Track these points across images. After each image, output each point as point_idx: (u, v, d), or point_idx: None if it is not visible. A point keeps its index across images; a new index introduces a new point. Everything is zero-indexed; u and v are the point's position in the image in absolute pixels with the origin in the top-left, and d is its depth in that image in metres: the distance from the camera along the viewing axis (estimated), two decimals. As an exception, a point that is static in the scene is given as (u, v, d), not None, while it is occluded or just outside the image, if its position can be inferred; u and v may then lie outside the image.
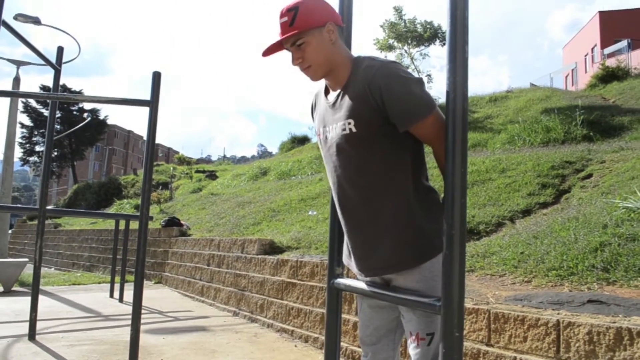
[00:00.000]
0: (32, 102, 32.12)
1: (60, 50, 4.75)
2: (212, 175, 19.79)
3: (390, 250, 1.46)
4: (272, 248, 5.38)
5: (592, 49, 26.93)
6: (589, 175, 5.47)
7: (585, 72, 25.76)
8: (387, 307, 1.61)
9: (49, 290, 7.55)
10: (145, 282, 7.16)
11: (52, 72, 4.67)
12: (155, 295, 7.06)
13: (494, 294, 2.74)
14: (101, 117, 34.81)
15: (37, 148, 32.80)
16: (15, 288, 7.76)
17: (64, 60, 4.79)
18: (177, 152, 51.47)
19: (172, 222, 8.85)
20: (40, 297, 4.57)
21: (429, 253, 1.44)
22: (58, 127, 30.32)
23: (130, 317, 3.33)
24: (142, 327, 3.66)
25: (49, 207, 5.79)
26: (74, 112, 33.78)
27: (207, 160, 57.37)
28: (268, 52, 1.54)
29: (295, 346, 4.10)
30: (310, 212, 7.06)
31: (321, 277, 4.10)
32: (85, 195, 23.34)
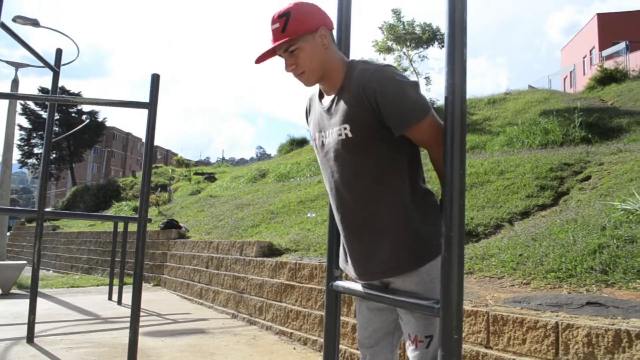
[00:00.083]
0: (31, 104, 32.10)
1: (59, 52, 4.75)
2: (210, 178, 19.79)
3: (388, 254, 1.46)
4: (271, 250, 5.38)
5: (591, 51, 26.99)
6: (588, 178, 5.48)
7: (584, 74, 25.81)
8: (386, 309, 1.61)
9: (48, 293, 7.53)
10: (144, 285, 7.15)
11: (50, 74, 4.67)
12: (154, 297, 7.05)
13: (493, 296, 2.74)
14: (100, 119, 34.77)
15: (36, 150, 32.76)
16: (14, 290, 7.74)
17: (62, 62, 4.79)
18: (175, 154, 51.50)
19: (171, 225, 8.83)
20: (39, 300, 4.55)
21: (427, 256, 1.44)
22: (57, 129, 30.28)
23: (128, 319, 3.32)
24: (141, 330, 3.65)
25: (47, 210, 5.79)
26: (73, 114, 33.76)
27: (206, 162, 57.31)
28: (261, 59, 1.53)
29: (294, 349, 4.09)
30: (309, 215, 7.06)
31: (320, 280, 4.09)
32: (84, 197, 23.31)
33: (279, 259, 4.91)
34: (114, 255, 7.28)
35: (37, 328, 4.30)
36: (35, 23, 11.42)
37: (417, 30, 16.33)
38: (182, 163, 25.07)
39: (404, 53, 17.02)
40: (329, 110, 1.53)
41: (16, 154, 31.43)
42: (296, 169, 13.24)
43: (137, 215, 3.57)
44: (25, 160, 33.13)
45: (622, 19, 26.53)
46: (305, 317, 4.23)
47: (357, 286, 1.57)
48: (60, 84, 4.83)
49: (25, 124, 32.51)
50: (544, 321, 2.20)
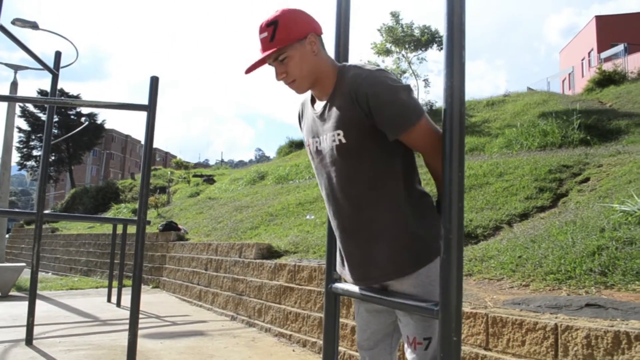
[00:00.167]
0: (30, 107, 32.11)
1: (58, 54, 4.75)
2: (209, 180, 19.79)
3: (386, 257, 1.46)
4: (270, 252, 5.37)
5: (589, 53, 27.07)
6: (587, 179, 5.49)
7: (582, 76, 25.89)
8: (385, 311, 1.61)
9: (47, 295, 7.52)
10: (143, 287, 7.13)
11: (49, 76, 4.67)
12: (153, 299, 7.04)
13: (492, 298, 2.74)
14: (99, 122, 34.78)
15: (35, 152, 32.77)
16: (13, 293, 7.73)
17: (61, 64, 4.79)
18: (174, 156, 51.41)
19: (170, 227, 8.82)
20: (38, 302, 4.54)
21: (425, 258, 1.43)
22: (55, 131, 30.27)
23: (127, 321, 3.32)
24: (140, 332, 3.65)
25: (46, 212, 5.78)
26: (72, 117, 33.79)
27: (205, 165, 57.28)
28: (251, 69, 1.51)
29: (293, 350, 4.08)
30: (308, 217, 7.06)
31: (319, 282, 4.09)
32: (83, 199, 23.31)
33: (278, 261, 4.90)
34: (112, 258, 7.27)
35: (36, 330, 4.30)
36: (34, 26, 11.44)
37: (416, 32, 16.34)
38: (181, 165, 25.03)
39: (403, 55, 17.02)
40: (321, 115, 1.52)
41: (15, 156, 31.49)
42: (295, 171, 13.23)
43: (136, 218, 3.57)
44: (24, 163, 33.13)
45: (620, 21, 26.63)
46: (304, 319, 4.22)
47: (356, 288, 1.57)
48: (59, 87, 4.83)
49: (24, 126, 32.56)
50: (543, 323, 2.20)
